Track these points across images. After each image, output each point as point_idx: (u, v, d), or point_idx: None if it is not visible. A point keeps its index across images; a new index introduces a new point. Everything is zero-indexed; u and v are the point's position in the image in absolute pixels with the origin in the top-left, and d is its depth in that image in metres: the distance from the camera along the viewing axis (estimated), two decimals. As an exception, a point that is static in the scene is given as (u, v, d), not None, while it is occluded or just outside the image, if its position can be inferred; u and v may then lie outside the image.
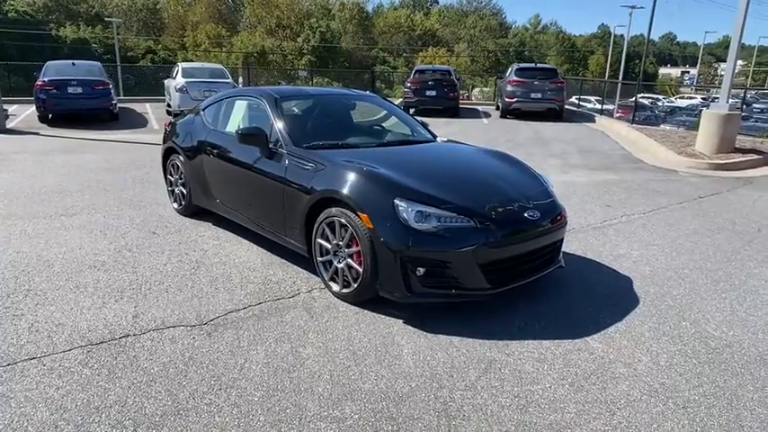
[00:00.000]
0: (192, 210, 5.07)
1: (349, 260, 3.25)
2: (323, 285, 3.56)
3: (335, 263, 3.37)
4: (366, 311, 3.22)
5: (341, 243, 3.28)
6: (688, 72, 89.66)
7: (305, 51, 50.38)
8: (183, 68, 13.46)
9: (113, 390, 2.38)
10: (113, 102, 12.48)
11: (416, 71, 15.96)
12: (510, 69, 16.04)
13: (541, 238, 3.32)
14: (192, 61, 48.32)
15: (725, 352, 2.93)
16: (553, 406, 2.39)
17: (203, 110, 5.00)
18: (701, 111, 11.44)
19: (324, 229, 3.39)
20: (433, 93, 15.29)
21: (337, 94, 5.38)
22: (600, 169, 8.53)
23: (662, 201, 6.51)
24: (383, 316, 3.17)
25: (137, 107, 15.23)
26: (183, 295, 3.40)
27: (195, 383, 2.45)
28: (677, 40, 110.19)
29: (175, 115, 5.86)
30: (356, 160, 3.48)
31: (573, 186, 7.08)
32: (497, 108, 17.20)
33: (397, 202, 3.05)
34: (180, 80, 12.84)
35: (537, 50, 65.18)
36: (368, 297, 3.22)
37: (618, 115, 17.00)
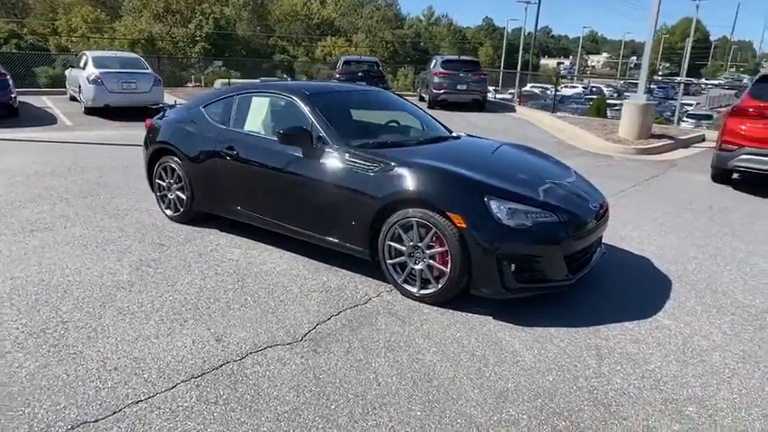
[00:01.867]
0: (192, 216, 4.63)
1: (430, 261, 3.21)
2: (389, 288, 3.48)
3: (411, 264, 3.29)
4: (450, 311, 3.20)
5: (420, 244, 3.22)
6: (563, 63, 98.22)
7: (198, 38, 47.40)
8: (92, 58, 12.05)
9: (262, 423, 2.15)
10: (12, 95, 10.85)
11: (344, 62, 15.81)
12: (434, 61, 16.45)
13: (601, 228, 3.53)
14: (68, 48, 43.29)
15: (766, 317, 3.35)
16: (678, 381, 2.58)
17: (203, 107, 4.56)
18: (586, 99, 12.67)
19: (396, 232, 3.30)
20: (363, 83, 15.21)
21: (357, 89, 5.18)
22: (547, 157, 9.13)
23: (617, 185, 7.14)
24: (469, 314, 3.18)
25: (32, 100, 13.37)
26: (253, 311, 3.13)
27: (345, 405, 2.29)
28: (552, 33, 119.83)
29: (155, 111, 5.26)
30: (423, 159, 3.43)
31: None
32: (420, 99, 17.59)
33: (488, 200, 3.06)
34: (93, 71, 11.50)
35: (431, 42, 67.36)
36: (452, 296, 3.21)
37: (516, 104, 18.22)
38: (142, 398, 2.29)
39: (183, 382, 2.41)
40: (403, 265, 3.35)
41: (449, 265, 3.12)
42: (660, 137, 10.74)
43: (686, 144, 10.75)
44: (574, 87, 44.82)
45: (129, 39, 44.10)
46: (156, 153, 4.75)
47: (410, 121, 4.60)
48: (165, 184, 4.75)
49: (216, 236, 4.42)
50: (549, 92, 41.75)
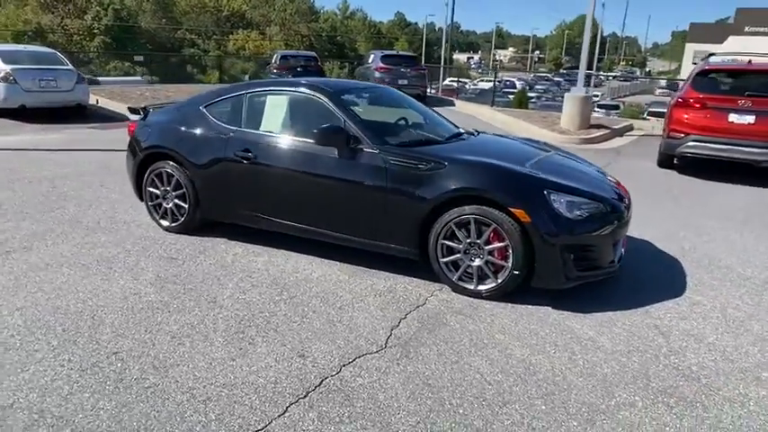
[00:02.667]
0: (194, 225, 4.33)
1: (488, 257, 3.25)
2: (439, 287, 3.48)
3: (467, 262, 3.32)
4: (509, 305, 3.27)
5: (478, 241, 3.26)
6: (473, 57, 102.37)
7: (96, 31, 43.83)
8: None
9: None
10: None
11: (281, 57, 15.36)
12: (373, 56, 16.49)
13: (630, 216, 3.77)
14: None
15: (776, 287, 3.76)
16: (740, 351, 2.84)
17: (204, 107, 4.25)
18: (504, 92, 13.43)
19: (450, 230, 3.31)
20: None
21: (369, 86, 5.05)
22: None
23: (581, 173, 7.63)
24: (528, 306, 3.27)
25: None
26: (318, 322, 3.00)
27: (470, 407, 2.28)
28: (461, 28, 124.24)
29: (134, 111, 4.78)
30: (470, 156, 3.46)
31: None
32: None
33: (548, 193, 3.16)
34: (2, 67, 10.26)
35: (347, 36, 67.31)
36: (510, 290, 3.28)
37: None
38: (259, 427, 2.13)
39: (292, 404, 2.27)
40: (455, 263, 3.37)
41: (509, 260, 3.19)
42: (598, 127, 11.57)
43: (621, 133, 11.68)
44: (489, 81, 46.88)
45: (13, 30, 39.76)
46: (148, 159, 4.37)
47: (420, 117, 4.60)
48: (159, 192, 4.39)
49: (227, 245, 4.16)
50: (467, 86, 43.47)
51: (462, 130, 4.46)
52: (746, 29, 49.18)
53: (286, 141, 3.85)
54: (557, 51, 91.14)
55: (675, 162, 8.13)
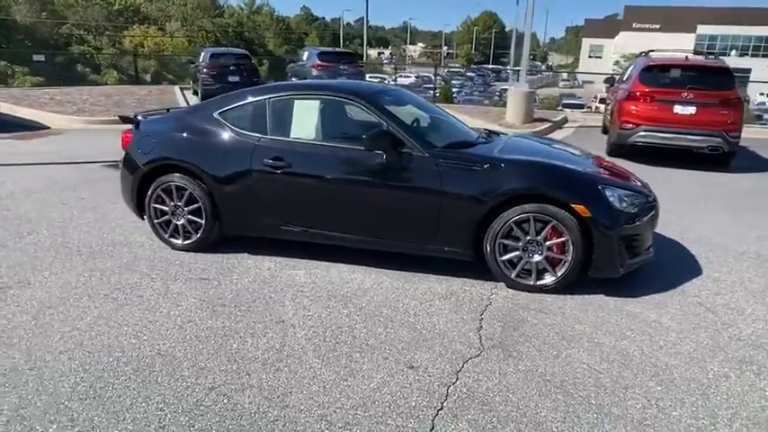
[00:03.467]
0: (210, 241, 4.10)
1: (548, 252, 3.42)
2: (495, 284, 3.59)
3: (525, 258, 3.47)
4: (568, 296, 3.46)
5: (537, 237, 3.41)
6: (383, 53, 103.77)
7: (-38, 27, 39.09)
8: None
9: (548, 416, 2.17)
10: None
11: (211, 55, 14.65)
12: (307, 54, 16.24)
13: None
14: None
15: (769, 260, 4.29)
16: (785, 321, 3.25)
17: (218, 113, 4.02)
18: (425, 87, 13.94)
19: (509, 228, 3.43)
20: (236, 78, 14.39)
21: (389, 89, 5.01)
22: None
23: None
24: (586, 295, 3.47)
25: None
26: (404, 331, 2.99)
27: (600, 395, 2.42)
28: (370, 23, 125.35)
29: (126, 120, 4.37)
30: (521, 156, 3.60)
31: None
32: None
33: (602, 188, 3.38)
34: None
35: (255, 32, 65.48)
36: (570, 282, 3.46)
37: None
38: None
39: (435, 417, 2.27)
40: (512, 261, 3.50)
41: (569, 254, 3.37)
42: (541, 120, 12.31)
43: (560, 125, 12.51)
44: (408, 77, 47.84)
45: None
46: (153, 173, 4.06)
47: (439, 118, 4.62)
48: (167, 208, 4.10)
49: (253, 260, 3.98)
50: (386, 81, 44.01)
51: (481, 131, 4.59)
52: (635, 25, 54.56)
53: (324, 148, 3.77)
54: (467, 47, 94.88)
55: (623, 151, 8.89)
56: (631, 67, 9.47)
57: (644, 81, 8.20)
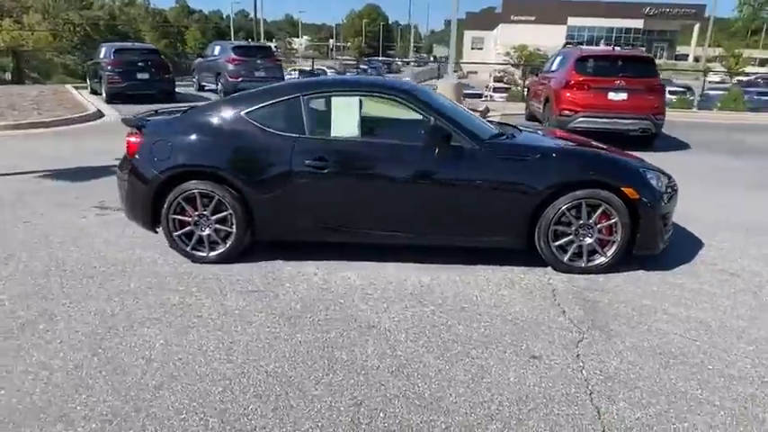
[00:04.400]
0: (240, 250, 3.80)
1: (598, 235, 3.63)
2: (545, 269, 3.74)
3: (578, 242, 3.65)
4: (617, 274, 3.69)
5: (589, 221, 3.60)
6: (270, 46, 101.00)
7: None
8: None
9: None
10: None
11: (115, 51, 13.28)
12: (218, 48, 15.37)
13: None
14: None
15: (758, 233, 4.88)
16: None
17: (245, 113, 3.71)
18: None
19: (562, 214, 3.59)
20: (146, 75, 13.25)
21: (413, 85, 4.91)
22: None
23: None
24: (630, 272, 3.73)
25: None
26: (498, 322, 3.02)
27: (722, 363, 2.64)
28: (250, 17, 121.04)
29: (130, 124, 3.83)
30: (567, 145, 3.77)
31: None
32: (200, 89, 16.30)
33: (644, 172, 3.65)
34: None
35: (129, 25, 60.43)
36: (618, 261, 3.70)
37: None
38: (595, 422, 2.17)
39: (592, 401, 2.35)
40: (563, 246, 3.67)
41: (618, 235, 3.61)
42: (472, 111, 12.82)
43: (484, 115, 13.10)
44: (303, 71, 47.08)
45: None
46: (171, 181, 3.66)
47: (459, 112, 4.61)
48: (190, 218, 3.73)
49: (294, 266, 3.75)
50: (287, 75, 42.94)
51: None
52: (512, 17, 58.46)
53: (371, 145, 3.66)
54: (359, 40, 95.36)
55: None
56: (559, 58, 10.20)
57: (579, 70, 8.90)
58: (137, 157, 3.74)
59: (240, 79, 14.41)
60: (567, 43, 10.38)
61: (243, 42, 16.02)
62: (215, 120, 3.78)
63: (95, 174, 6.43)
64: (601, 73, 8.81)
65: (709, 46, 51.42)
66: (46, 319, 3.00)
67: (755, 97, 20.18)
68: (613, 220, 3.59)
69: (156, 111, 4.35)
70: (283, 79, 15.83)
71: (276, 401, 2.33)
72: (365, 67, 61.15)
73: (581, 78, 8.81)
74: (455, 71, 64.95)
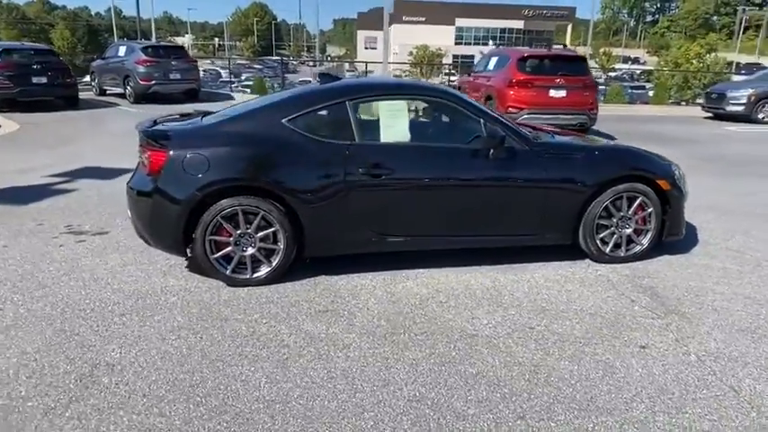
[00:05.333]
0: (285, 270, 3.54)
1: (635, 225, 3.86)
2: (586, 264, 3.91)
3: (618, 233, 3.85)
4: (649, 260, 3.96)
5: (628, 213, 3.82)
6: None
7: None
8: None
9: None
10: None
11: (3, 50, 11.57)
12: (124, 49, 13.97)
13: None
14: None
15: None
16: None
17: (287, 120, 3.43)
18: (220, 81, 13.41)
19: (606, 208, 3.77)
20: (43, 79, 11.74)
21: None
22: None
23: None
24: (658, 258, 4.02)
25: None
26: (593, 321, 3.10)
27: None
28: (123, 14, 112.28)
29: (152, 135, 3.33)
30: (607, 143, 3.97)
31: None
32: (101, 93, 14.79)
33: (669, 165, 3.93)
34: None
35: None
36: (652, 248, 3.96)
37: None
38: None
39: (733, 384, 2.50)
40: (604, 238, 3.86)
41: (651, 224, 3.88)
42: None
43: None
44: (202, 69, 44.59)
45: None
46: (208, 198, 3.30)
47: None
48: (231, 239, 3.39)
49: (344, 280, 3.57)
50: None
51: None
52: (404, 18, 60.07)
53: (424, 149, 3.57)
54: (251, 39, 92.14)
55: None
56: (494, 59, 10.65)
57: (521, 70, 9.38)
58: (163, 173, 3.31)
59: (153, 82, 13.32)
60: (498, 44, 10.81)
61: (153, 42, 14.76)
62: (252, 129, 3.46)
63: (36, 195, 5.59)
64: (541, 72, 9.37)
65: (583, 44, 56.78)
66: (104, 370, 2.56)
67: (629, 91, 22.86)
68: (649, 210, 3.84)
69: (156, 120, 3.89)
70: (199, 82, 14.93)
71: (440, 428, 2.20)
72: (259, 66, 59.45)
73: (524, 77, 9.29)
74: (351, 71, 64.78)
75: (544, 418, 2.26)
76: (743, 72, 26.86)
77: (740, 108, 12.59)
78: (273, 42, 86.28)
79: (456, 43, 57.39)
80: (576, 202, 3.71)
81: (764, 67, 22.33)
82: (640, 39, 65.27)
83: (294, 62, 69.19)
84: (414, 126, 3.69)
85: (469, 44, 58.76)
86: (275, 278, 3.50)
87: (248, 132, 3.44)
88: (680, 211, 3.94)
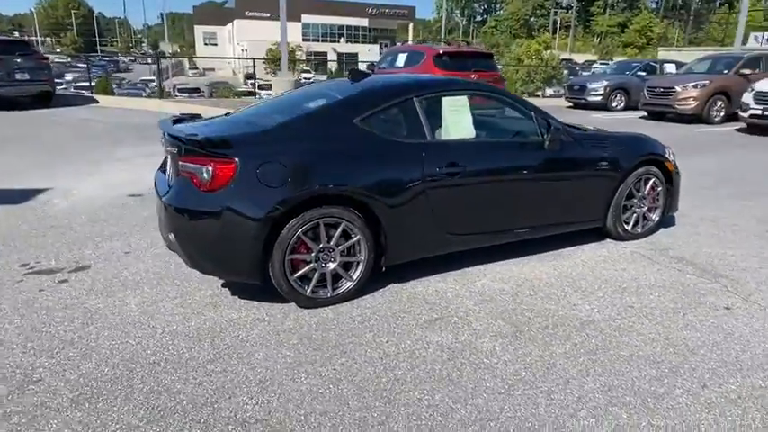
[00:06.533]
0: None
1: (649, 204, 4.31)
2: (613, 243, 4.26)
3: (638, 212, 4.27)
4: (659, 235, 4.46)
5: (645, 194, 4.25)
6: None
7: None
8: None
9: None
10: None
11: None
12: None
13: None
14: None
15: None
16: None
17: (360, 120, 3.16)
18: None
19: (630, 190, 4.15)
20: (25, 76, 9.42)
21: None
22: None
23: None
24: (656, 237, 4.55)
25: None
26: (684, 298, 3.40)
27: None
28: None
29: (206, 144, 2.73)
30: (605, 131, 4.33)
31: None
32: None
33: (667, 148, 4.44)
34: None
35: None
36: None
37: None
38: None
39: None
40: (629, 219, 4.25)
41: (660, 201, 4.36)
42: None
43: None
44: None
45: None
46: (292, 212, 2.93)
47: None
48: (311, 255, 3.05)
49: (421, 285, 3.44)
50: None
51: None
52: (247, 13, 57.99)
53: (492, 145, 3.63)
54: (72, 35, 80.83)
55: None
56: (402, 55, 10.87)
57: (438, 66, 9.74)
58: (233, 187, 2.85)
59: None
60: (383, 44, 11.12)
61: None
62: (323, 131, 3.14)
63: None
64: (457, 68, 9.81)
65: (423, 42, 60.27)
66: (276, 428, 2.16)
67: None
68: (659, 189, 4.33)
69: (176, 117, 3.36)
70: (53, 81, 12.88)
71: (650, 412, 2.26)
72: (83, 65, 52.71)
73: (445, 72, 9.64)
74: (192, 68, 60.58)
75: (722, 383, 2.46)
76: (577, 69, 30.73)
77: (598, 98, 14.57)
78: (97, 38, 77.25)
79: (303, 39, 57.04)
80: (612, 187, 4.04)
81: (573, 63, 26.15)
82: (473, 37, 71.68)
83: (126, 60, 62.79)
84: (476, 121, 3.67)
85: (317, 41, 58.96)
86: (356, 293, 3.24)
87: (320, 135, 3.12)
88: (678, 189, 4.50)
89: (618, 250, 4.13)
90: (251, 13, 57.38)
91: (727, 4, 60.41)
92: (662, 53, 21.81)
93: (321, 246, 3.07)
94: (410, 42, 64.53)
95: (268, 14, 57.63)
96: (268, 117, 3.33)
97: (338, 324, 2.97)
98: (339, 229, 3.08)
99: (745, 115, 10.19)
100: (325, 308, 3.14)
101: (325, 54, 53.77)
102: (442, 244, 3.50)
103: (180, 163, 2.97)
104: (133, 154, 7.76)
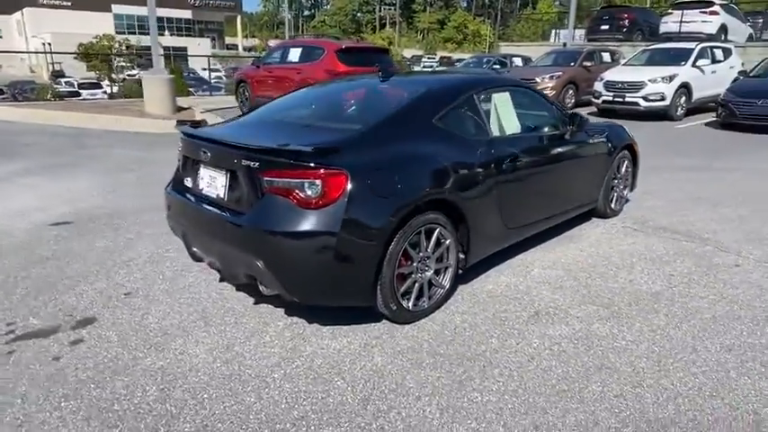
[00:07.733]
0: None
1: (623, 182, 4.86)
2: (603, 221, 4.72)
3: (618, 192, 4.77)
4: (626, 208, 5.04)
5: (622, 173, 4.77)
6: None
7: None
8: None
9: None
10: None
11: None
12: None
13: None
14: None
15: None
16: None
17: (438, 120, 3.04)
18: None
19: (618, 172, 4.64)
20: None
21: None
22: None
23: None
24: (629, 204, 5.15)
25: None
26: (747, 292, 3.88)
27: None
28: None
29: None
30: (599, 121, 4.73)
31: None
32: None
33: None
34: None
35: None
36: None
37: None
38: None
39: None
40: (611, 197, 4.74)
41: (629, 179, 4.95)
42: (187, 108, 11.42)
43: (210, 110, 11.78)
44: None
45: None
46: (405, 219, 2.72)
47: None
48: (414, 265, 2.88)
49: (492, 281, 3.45)
50: None
51: None
52: (42, 1, 50.05)
53: (539, 138, 3.81)
54: None
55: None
56: (295, 50, 10.46)
57: (342, 60, 9.58)
58: (344, 201, 2.55)
59: None
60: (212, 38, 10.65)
61: None
62: (406, 132, 2.95)
63: None
64: (360, 62, 9.72)
65: (251, 36, 58.52)
66: None
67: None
68: (630, 170, 4.90)
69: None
70: None
71: (776, 363, 2.61)
72: None
73: (348, 68, 9.50)
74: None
75: (802, 327, 2.93)
76: (408, 63, 32.41)
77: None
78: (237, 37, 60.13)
79: (117, 32, 51.07)
80: (606, 170, 4.47)
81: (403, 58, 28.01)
82: (302, 32, 71.37)
83: None
84: (523, 115, 3.78)
85: (134, 33, 53.34)
86: (443, 300, 3.14)
87: (409, 136, 2.94)
88: (637, 167, 5.14)
89: (610, 227, 4.59)
90: (47, 1, 49.69)
91: (530, 4, 68.85)
92: (504, 48, 24.25)
93: (422, 254, 2.90)
94: (240, 37, 62.07)
95: (69, 3, 50.65)
96: (324, 119, 3.08)
97: (455, 335, 2.85)
98: (435, 236, 2.94)
99: (599, 101, 11.89)
100: (424, 321, 2.98)
101: (149, 48, 48.85)
102: (505, 237, 3.55)
103: (266, 178, 2.56)
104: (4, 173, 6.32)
